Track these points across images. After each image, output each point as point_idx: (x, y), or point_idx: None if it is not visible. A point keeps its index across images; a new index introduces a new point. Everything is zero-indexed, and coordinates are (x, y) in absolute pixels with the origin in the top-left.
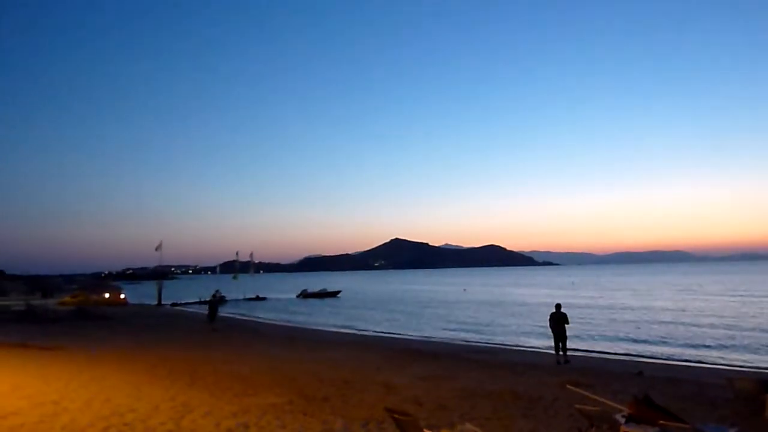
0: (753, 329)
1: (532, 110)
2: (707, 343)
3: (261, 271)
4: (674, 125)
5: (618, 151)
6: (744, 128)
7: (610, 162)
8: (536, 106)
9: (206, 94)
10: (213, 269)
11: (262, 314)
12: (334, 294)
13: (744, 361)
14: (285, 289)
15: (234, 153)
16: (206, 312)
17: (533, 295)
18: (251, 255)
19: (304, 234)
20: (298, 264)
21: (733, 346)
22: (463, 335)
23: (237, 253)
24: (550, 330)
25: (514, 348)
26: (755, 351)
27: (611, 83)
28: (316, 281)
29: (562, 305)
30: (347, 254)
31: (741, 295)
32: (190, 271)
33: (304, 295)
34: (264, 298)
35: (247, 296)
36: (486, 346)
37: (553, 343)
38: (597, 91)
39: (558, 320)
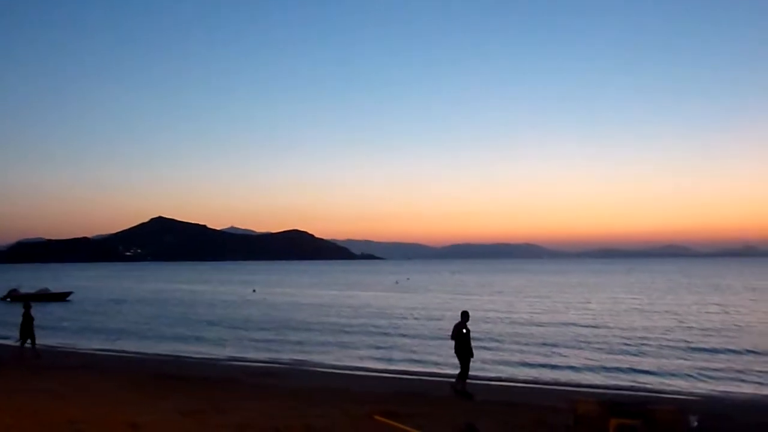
0: (593, 341)
1: (339, 51)
2: (550, 360)
3: None
4: (524, 80)
5: (452, 118)
6: (613, 87)
7: (440, 130)
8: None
9: None
10: None
11: None
12: (61, 296)
13: (589, 380)
14: None
15: None
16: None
17: (344, 296)
18: None
19: (17, 208)
20: (6, 252)
21: (578, 362)
22: (242, 352)
23: None
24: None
25: (311, 369)
26: (601, 368)
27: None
28: (34, 276)
29: (468, 314)
30: (85, 238)
31: (579, 301)
32: None
33: (14, 296)
34: None
35: None
36: (273, 367)
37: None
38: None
39: (463, 335)
